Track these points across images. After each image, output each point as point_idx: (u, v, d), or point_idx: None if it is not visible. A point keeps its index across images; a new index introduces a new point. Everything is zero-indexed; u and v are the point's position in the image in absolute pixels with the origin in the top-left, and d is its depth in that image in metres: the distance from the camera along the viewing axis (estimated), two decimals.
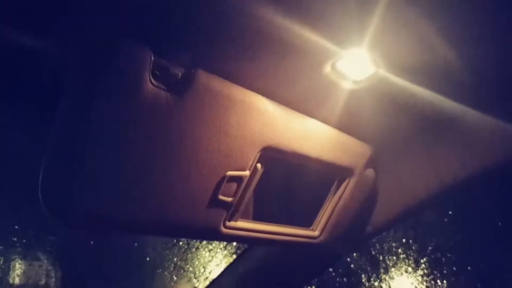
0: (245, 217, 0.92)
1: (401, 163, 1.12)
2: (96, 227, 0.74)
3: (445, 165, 1.06)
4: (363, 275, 1.68)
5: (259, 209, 0.96)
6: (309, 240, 1.07)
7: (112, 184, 0.67)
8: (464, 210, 1.52)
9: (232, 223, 0.89)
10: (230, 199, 0.83)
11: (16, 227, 1.92)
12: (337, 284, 1.73)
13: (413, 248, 1.62)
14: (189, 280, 1.81)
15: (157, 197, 0.72)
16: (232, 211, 0.86)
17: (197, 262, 1.79)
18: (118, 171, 0.67)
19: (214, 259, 1.76)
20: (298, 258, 1.32)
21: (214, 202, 0.81)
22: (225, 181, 0.80)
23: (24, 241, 1.94)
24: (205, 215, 0.81)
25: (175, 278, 1.83)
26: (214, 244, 1.77)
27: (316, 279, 1.72)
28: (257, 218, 0.95)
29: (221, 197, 0.81)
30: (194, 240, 1.77)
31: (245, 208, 0.91)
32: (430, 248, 1.61)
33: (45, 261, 2.00)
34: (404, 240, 1.64)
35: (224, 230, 0.87)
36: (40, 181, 0.62)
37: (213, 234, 0.87)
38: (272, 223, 0.98)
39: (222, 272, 1.53)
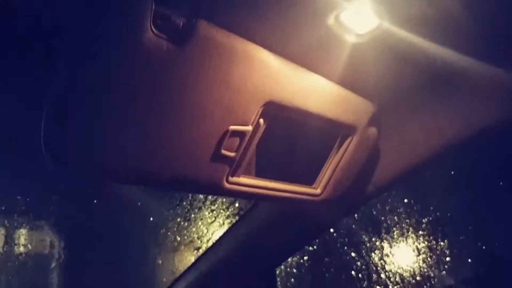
0: (247, 173, 0.92)
1: (404, 121, 1.11)
2: (96, 176, 0.74)
3: (448, 122, 1.05)
4: (364, 235, 1.70)
5: (262, 165, 0.96)
6: (311, 198, 1.07)
7: (112, 134, 0.67)
8: (466, 170, 1.52)
9: (235, 179, 0.89)
10: (232, 154, 0.83)
11: (19, 195, 1.93)
12: (338, 244, 1.75)
13: (414, 208, 1.63)
14: (192, 241, 1.83)
15: (158, 149, 0.72)
16: (235, 166, 0.86)
17: (200, 223, 1.80)
18: (118, 121, 0.67)
19: (217, 220, 1.77)
20: (300, 218, 1.33)
21: (217, 156, 0.81)
22: (227, 136, 0.80)
23: (27, 199, 1.95)
24: (208, 169, 0.82)
25: (178, 238, 1.85)
26: (217, 205, 1.78)
27: (317, 240, 1.74)
28: (259, 174, 0.96)
29: (223, 151, 0.81)
30: (197, 201, 1.78)
31: (248, 164, 0.91)
32: (431, 207, 1.62)
33: (49, 221, 2.01)
34: (405, 200, 1.65)
35: (227, 185, 0.87)
36: (43, 128, 0.62)
37: (216, 189, 0.87)
38: (274, 180, 0.99)
39: (225, 233, 1.55)
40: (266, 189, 0.97)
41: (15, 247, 1.94)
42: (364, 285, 1.72)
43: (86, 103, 0.63)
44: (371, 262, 1.69)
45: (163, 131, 0.72)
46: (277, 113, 0.86)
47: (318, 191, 1.08)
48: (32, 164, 1.85)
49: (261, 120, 0.84)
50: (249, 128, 0.82)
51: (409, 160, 1.16)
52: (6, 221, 1.91)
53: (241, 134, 0.82)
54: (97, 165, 0.68)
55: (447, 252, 1.60)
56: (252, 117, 0.81)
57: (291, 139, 1.02)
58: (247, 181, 0.92)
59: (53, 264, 2.01)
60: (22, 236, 1.97)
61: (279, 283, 1.80)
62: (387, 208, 1.65)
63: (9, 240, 1.92)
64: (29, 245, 1.96)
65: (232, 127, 0.79)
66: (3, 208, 1.87)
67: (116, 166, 0.70)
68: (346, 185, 1.12)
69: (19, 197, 1.92)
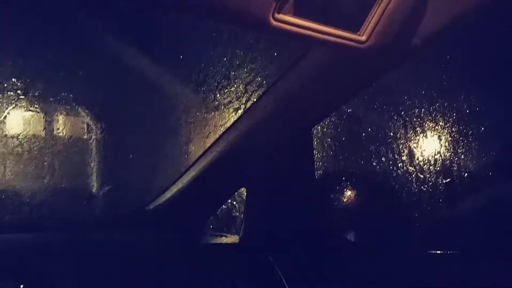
0: (293, 12, 0.91)
1: None
2: None
3: None
4: (403, 94, 1.70)
5: (307, 6, 0.94)
6: (356, 45, 1.06)
7: None
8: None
9: (281, 16, 0.88)
10: None
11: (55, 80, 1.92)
12: (377, 104, 1.76)
13: (450, 66, 1.59)
14: (231, 102, 1.85)
15: None
16: (281, 2, 0.85)
17: (239, 82, 1.81)
18: None
19: (256, 79, 1.77)
20: (341, 72, 1.32)
21: None
22: None
23: (63, 85, 1.97)
24: (254, 2, 0.80)
25: (218, 96, 1.88)
26: (255, 64, 1.77)
27: (355, 100, 1.74)
28: (304, 15, 0.94)
29: None
30: (236, 58, 1.77)
31: (294, 2, 0.89)
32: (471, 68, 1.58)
33: (85, 106, 2.05)
34: (448, 57, 1.61)
35: (273, 22, 0.87)
36: None
37: (262, 25, 0.87)
38: (320, 23, 0.97)
39: (263, 93, 1.56)
40: (311, 30, 0.96)
41: (55, 131, 2.00)
42: (400, 143, 1.76)
43: None
44: (408, 119, 1.71)
45: None
46: None
47: (364, 38, 1.06)
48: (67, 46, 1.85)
49: None
50: None
51: (456, 12, 1.12)
52: (43, 106, 1.95)
53: None
54: None
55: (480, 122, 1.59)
56: None
57: None
58: (293, 20, 0.91)
59: (91, 147, 2.08)
60: (61, 121, 2.01)
61: (315, 143, 1.85)
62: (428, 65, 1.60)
63: (48, 125, 1.98)
64: (68, 130, 2.02)
65: None
66: (40, 92, 1.90)
67: None
68: (391, 33, 1.10)
69: (55, 83, 1.92)
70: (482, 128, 1.62)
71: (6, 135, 1.88)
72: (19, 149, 1.89)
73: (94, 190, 2.14)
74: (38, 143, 1.95)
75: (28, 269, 1.37)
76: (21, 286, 1.27)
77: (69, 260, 1.46)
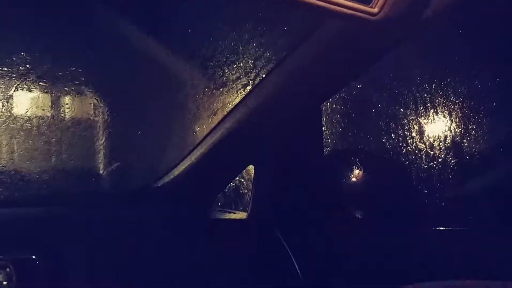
0: None
1: None
2: None
3: None
4: (413, 68, 1.67)
5: None
6: (368, 17, 1.05)
7: None
8: None
9: None
10: None
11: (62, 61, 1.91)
12: (386, 79, 1.74)
13: (469, 39, 1.56)
14: (240, 77, 1.84)
15: None
16: None
17: (248, 57, 1.79)
18: None
19: (265, 54, 1.75)
20: (351, 46, 1.31)
21: None
22: None
23: (70, 65, 1.95)
24: None
25: (227, 71, 1.86)
26: (264, 39, 1.75)
27: (365, 76, 1.72)
28: None
29: None
30: (245, 32, 1.74)
31: None
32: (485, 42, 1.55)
33: (91, 86, 2.03)
34: (460, 31, 1.58)
35: None
36: None
37: None
38: None
39: (272, 69, 1.55)
40: (322, 1, 0.95)
41: (64, 107, 1.99)
42: (410, 119, 1.75)
43: None
44: (418, 95, 1.69)
45: None
46: None
47: (375, 10, 1.04)
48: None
49: None
50: None
51: None
52: (52, 82, 1.94)
53: None
54: None
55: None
56: None
57: None
58: None
59: (100, 123, 2.07)
60: (69, 97, 2.00)
61: (324, 119, 1.84)
62: (438, 39, 1.58)
63: (57, 101, 1.97)
64: (76, 106, 2.01)
65: None
66: (48, 67, 1.89)
67: None
68: (403, 5, 1.08)
69: (63, 58, 1.91)
70: (494, 104, 1.60)
71: (15, 110, 1.88)
72: (28, 124, 1.89)
73: (102, 166, 2.14)
74: (46, 120, 1.95)
75: (38, 241, 1.38)
76: (33, 256, 1.29)
77: (77, 235, 1.47)
